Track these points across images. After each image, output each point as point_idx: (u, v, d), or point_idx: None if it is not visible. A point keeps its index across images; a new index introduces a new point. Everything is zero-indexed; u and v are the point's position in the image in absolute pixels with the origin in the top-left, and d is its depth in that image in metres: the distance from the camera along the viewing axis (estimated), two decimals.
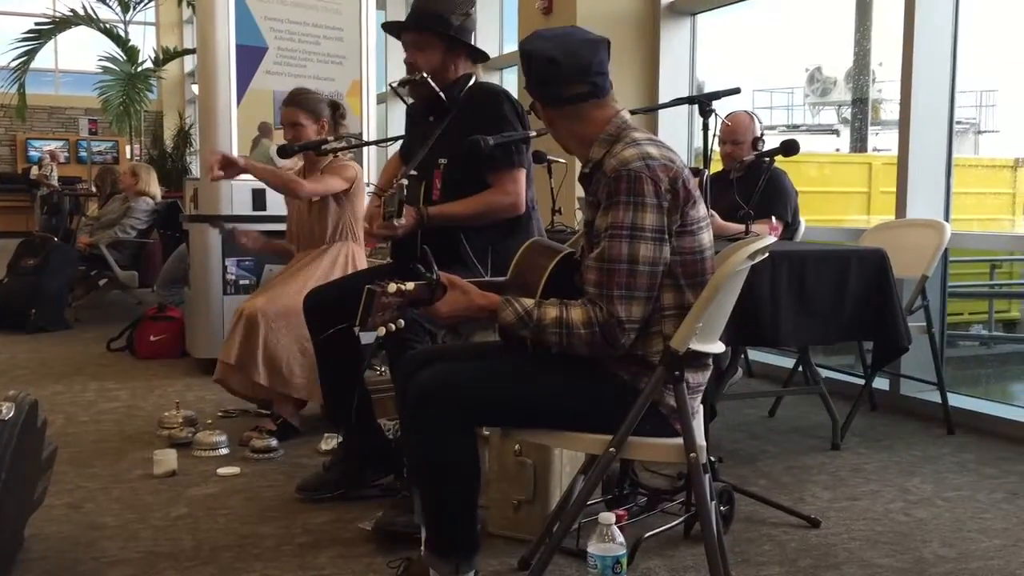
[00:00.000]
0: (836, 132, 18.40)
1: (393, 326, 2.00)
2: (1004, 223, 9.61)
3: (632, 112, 2.25)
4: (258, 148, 5.07)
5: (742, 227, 3.98)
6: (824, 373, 4.17)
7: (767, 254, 2.15)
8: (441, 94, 2.89)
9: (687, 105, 3.14)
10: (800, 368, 4.13)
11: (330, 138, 3.61)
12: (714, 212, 4.04)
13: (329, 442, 3.58)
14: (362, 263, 3.87)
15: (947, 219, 4.32)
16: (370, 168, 5.26)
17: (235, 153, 4.96)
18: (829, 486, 3.26)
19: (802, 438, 3.89)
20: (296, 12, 5.10)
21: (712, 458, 2.54)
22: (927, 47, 4.33)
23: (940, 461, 3.57)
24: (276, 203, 4.55)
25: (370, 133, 5.33)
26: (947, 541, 2.76)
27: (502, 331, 2.13)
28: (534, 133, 2.75)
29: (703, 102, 2.91)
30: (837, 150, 17.01)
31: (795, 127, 19.56)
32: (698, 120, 3.01)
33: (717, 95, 3.01)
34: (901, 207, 4.35)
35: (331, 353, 3.04)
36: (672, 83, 5.83)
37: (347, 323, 2.96)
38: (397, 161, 3.20)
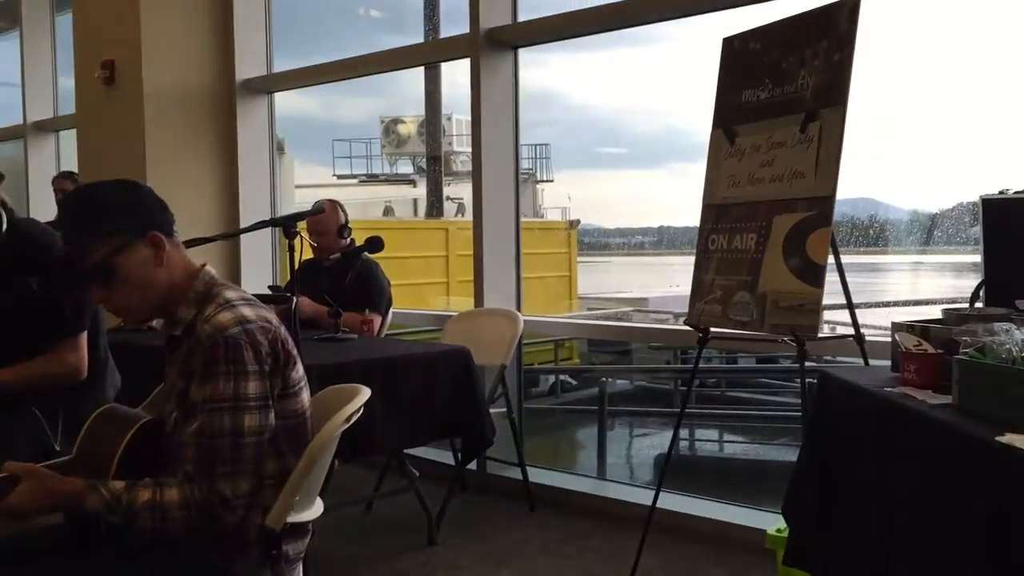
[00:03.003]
0: (412, 182, 19.29)
1: None
2: (563, 277, 10.82)
3: (207, 240, 2.11)
4: None
5: (332, 316, 3.98)
6: (417, 452, 4.27)
7: (363, 410, 2.12)
8: None
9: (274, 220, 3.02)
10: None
11: None
12: (306, 299, 4.03)
13: None
14: None
15: (519, 303, 4.62)
16: None
17: None
18: None
19: (400, 533, 3.91)
20: None
21: None
22: (495, 104, 4.54)
23: (527, 545, 3.79)
24: None
25: None
26: None
27: (79, 516, 1.86)
28: None
29: (287, 224, 2.83)
30: (415, 200, 17.83)
31: (374, 176, 20.20)
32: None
33: (301, 216, 2.96)
34: (478, 274, 4.56)
35: None
36: (252, 158, 5.69)
37: None
38: None
